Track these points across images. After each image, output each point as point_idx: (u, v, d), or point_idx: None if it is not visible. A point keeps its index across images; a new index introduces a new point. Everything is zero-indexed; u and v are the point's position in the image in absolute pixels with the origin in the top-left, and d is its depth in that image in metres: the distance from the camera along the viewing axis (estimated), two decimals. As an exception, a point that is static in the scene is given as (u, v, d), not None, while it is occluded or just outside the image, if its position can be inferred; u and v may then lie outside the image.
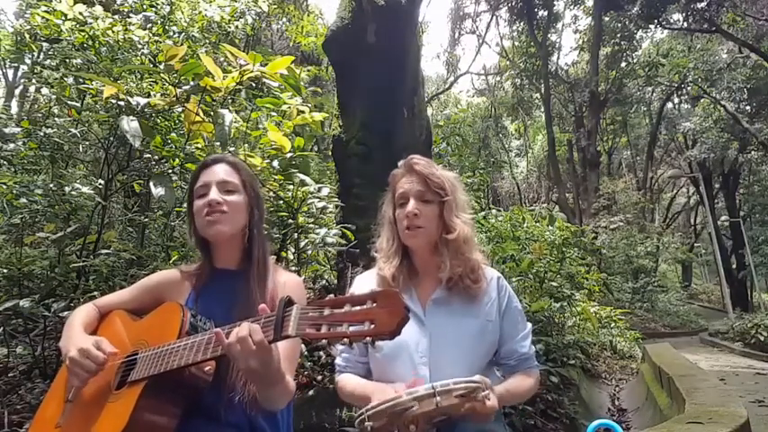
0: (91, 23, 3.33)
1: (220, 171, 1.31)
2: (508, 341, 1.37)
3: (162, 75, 2.51)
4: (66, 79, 2.94)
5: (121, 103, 2.30)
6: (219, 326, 1.01)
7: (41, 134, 2.66)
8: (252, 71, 2.43)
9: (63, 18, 3.33)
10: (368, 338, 0.80)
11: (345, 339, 0.82)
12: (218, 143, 2.41)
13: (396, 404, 1.04)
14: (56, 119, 3.04)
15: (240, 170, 1.34)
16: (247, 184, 1.33)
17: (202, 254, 1.33)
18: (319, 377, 2.68)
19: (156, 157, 2.56)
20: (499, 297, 1.39)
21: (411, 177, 1.39)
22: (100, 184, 2.72)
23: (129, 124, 2.15)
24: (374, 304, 0.83)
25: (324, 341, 0.84)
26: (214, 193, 1.26)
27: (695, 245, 28.03)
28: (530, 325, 1.45)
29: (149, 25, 4.06)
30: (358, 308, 0.83)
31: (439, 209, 1.37)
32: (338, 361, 1.41)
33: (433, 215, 1.36)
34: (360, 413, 1.10)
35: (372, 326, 0.81)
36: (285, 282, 1.28)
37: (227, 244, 1.31)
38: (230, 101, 3.03)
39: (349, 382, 1.35)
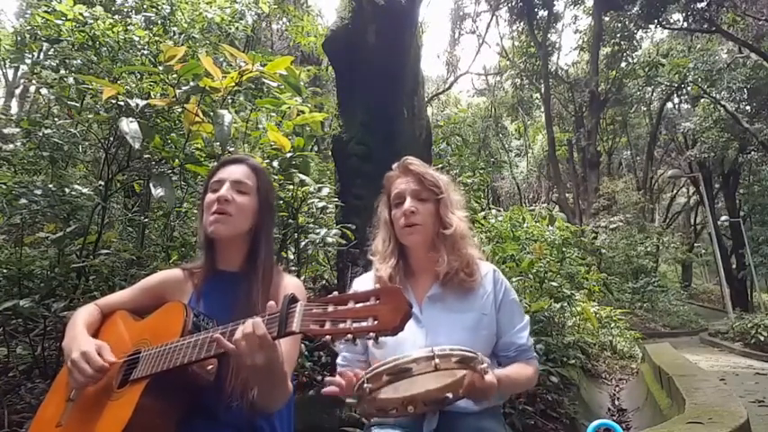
0: (91, 24, 3.33)
1: (238, 171, 1.32)
2: (506, 333, 1.38)
3: (162, 75, 2.51)
4: (66, 80, 2.94)
5: (121, 103, 2.30)
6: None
7: (40, 134, 2.65)
8: (251, 71, 2.43)
9: (63, 18, 3.33)
10: (371, 334, 0.81)
11: (349, 335, 0.82)
12: (218, 143, 2.41)
13: (395, 365, 1.03)
14: (55, 119, 3.03)
15: (259, 175, 1.35)
16: (261, 190, 1.34)
17: (206, 252, 1.33)
18: (319, 377, 2.68)
19: (156, 157, 2.56)
20: (495, 290, 1.40)
21: (406, 177, 1.42)
22: (100, 184, 2.71)
23: (129, 126, 2.14)
24: (377, 301, 0.83)
25: (327, 339, 0.84)
26: (225, 190, 1.28)
27: (695, 245, 27.96)
28: (527, 317, 1.46)
29: (149, 25, 4.06)
30: (361, 304, 0.84)
31: (435, 206, 1.40)
32: (339, 361, 1.42)
33: (429, 213, 1.39)
34: (359, 380, 1.09)
35: (376, 322, 0.81)
36: (286, 285, 1.29)
37: (231, 245, 1.31)
38: (230, 101, 3.03)
39: None
